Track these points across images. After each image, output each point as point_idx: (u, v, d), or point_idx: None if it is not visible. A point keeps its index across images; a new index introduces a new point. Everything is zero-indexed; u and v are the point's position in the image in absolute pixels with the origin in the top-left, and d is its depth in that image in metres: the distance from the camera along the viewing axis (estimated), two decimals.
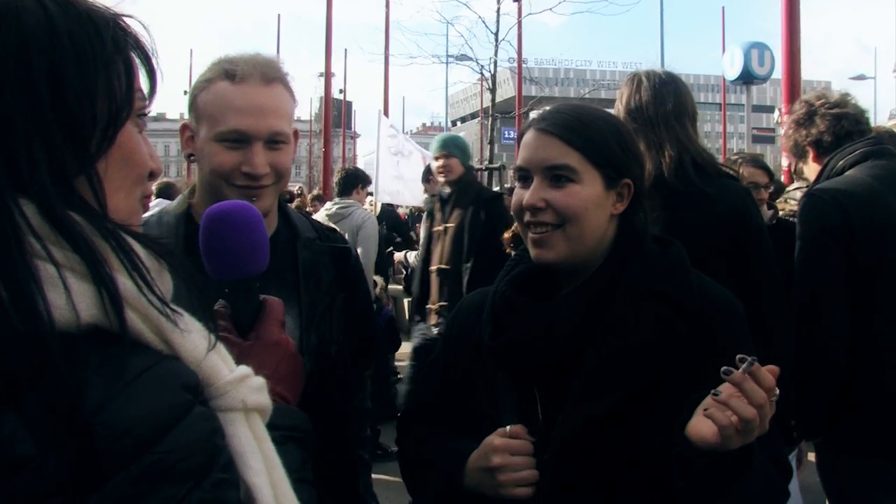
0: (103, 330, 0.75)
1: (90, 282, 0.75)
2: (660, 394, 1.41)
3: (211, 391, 0.83)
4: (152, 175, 0.94)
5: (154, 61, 0.93)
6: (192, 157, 1.77)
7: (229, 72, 1.68)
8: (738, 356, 1.19)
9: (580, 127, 1.49)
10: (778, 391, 1.20)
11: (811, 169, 2.93)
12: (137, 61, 0.92)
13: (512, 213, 1.58)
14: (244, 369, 0.89)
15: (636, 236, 1.55)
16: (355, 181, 7.10)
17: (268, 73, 1.71)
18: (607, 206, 1.51)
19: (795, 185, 4.92)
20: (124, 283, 0.78)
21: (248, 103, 1.67)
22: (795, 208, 4.12)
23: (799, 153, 2.94)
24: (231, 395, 0.85)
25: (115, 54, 0.88)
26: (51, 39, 0.81)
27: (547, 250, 1.50)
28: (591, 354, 1.44)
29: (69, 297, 0.73)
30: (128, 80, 0.89)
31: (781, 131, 7.60)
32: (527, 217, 1.51)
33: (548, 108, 1.59)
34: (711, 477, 1.28)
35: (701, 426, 1.24)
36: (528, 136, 1.54)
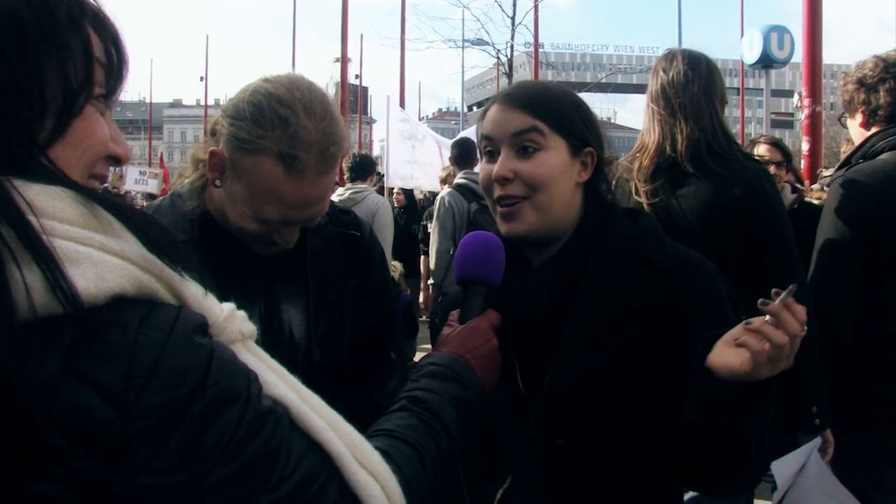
0: (126, 296, 0.81)
1: (113, 255, 0.80)
2: (642, 353, 1.45)
3: (212, 329, 0.90)
4: (118, 161, 0.96)
5: (120, 41, 0.92)
6: (217, 185, 1.62)
7: (288, 158, 1.49)
8: (773, 290, 1.22)
9: (542, 98, 1.55)
10: (806, 328, 1.23)
11: (855, 129, 2.90)
12: (100, 41, 0.90)
13: (482, 190, 1.61)
14: (229, 305, 0.95)
15: (605, 206, 1.59)
16: (369, 167, 7.08)
17: (327, 162, 1.55)
18: (573, 173, 1.55)
19: (832, 171, 4.81)
20: (138, 249, 0.83)
21: (300, 199, 1.55)
22: None
23: (850, 109, 2.90)
24: (230, 330, 0.92)
25: (71, 36, 0.86)
26: None
27: (517, 223, 1.52)
28: (574, 319, 1.48)
29: (97, 272, 0.78)
30: (86, 64, 0.87)
31: (801, 115, 7.51)
32: (497, 191, 1.53)
33: (509, 86, 1.64)
34: (739, 405, 1.30)
35: (728, 356, 1.27)
36: (492, 110, 1.58)
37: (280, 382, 0.94)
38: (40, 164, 0.82)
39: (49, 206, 0.78)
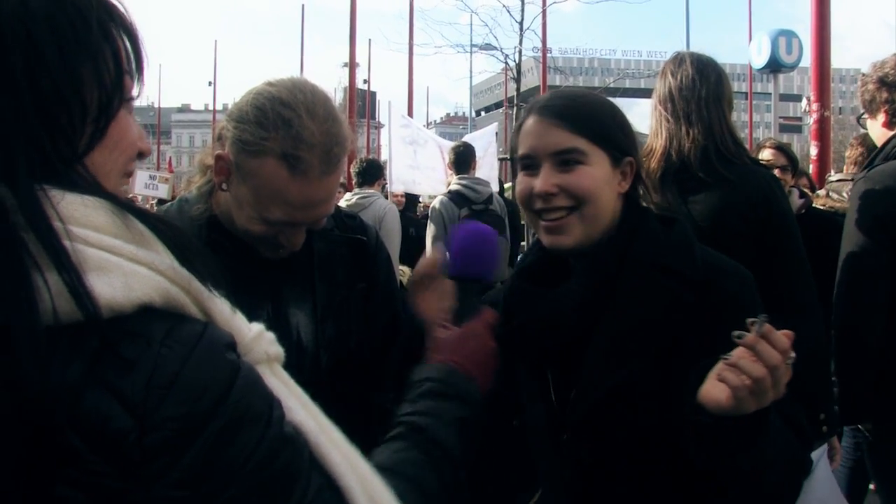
0: (154, 306, 0.81)
1: (142, 265, 0.80)
2: (673, 366, 1.41)
3: (238, 349, 0.89)
4: (141, 155, 0.97)
5: (141, 44, 0.93)
6: (224, 189, 1.62)
7: (291, 159, 1.49)
8: (748, 320, 1.18)
9: (582, 110, 1.51)
10: (794, 354, 1.19)
11: (876, 129, 2.87)
12: (126, 44, 0.90)
13: (518, 202, 1.57)
14: (257, 325, 0.94)
15: (639, 213, 1.56)
16: (377, 172, 7.08)
17: (331, 163, 1.54)
18: (614, 185, 1.52)
19: (838, 176, 4.78)
20: (168, 261, 0.83)
21: (304, 200, 1.55)
22: (838, 204, 4.00)
23: (871, 109, 2.87)
24: (256, 351, 0.92)
25: (102, 40, 0.87)
26: (27, 27, 0.81)
27: (564, 236, 1.49)
28: (601, 331, 1.45)
29: (126, 281, 0.78)
30: (117, 67, 0.88)
31: (809, 120, 7.47)
32: (538, 204, 1.50)
33: (545, 95, 1.60)
34: (726, 441, 1.27)
35: (714, 390, 1.23)
36: (531, 124, 1.53)
37: (300, 409, 0.93)
38: (78, 174, 0.83)
39: (83, 215, 0.79)
